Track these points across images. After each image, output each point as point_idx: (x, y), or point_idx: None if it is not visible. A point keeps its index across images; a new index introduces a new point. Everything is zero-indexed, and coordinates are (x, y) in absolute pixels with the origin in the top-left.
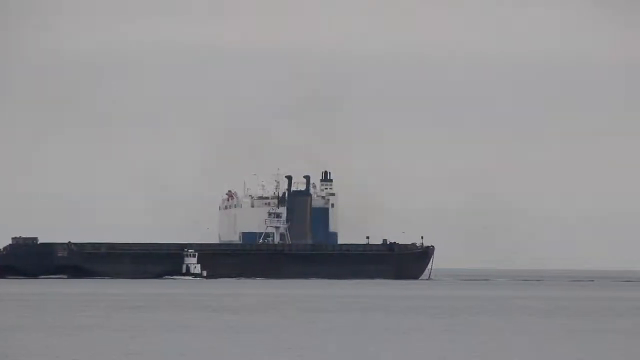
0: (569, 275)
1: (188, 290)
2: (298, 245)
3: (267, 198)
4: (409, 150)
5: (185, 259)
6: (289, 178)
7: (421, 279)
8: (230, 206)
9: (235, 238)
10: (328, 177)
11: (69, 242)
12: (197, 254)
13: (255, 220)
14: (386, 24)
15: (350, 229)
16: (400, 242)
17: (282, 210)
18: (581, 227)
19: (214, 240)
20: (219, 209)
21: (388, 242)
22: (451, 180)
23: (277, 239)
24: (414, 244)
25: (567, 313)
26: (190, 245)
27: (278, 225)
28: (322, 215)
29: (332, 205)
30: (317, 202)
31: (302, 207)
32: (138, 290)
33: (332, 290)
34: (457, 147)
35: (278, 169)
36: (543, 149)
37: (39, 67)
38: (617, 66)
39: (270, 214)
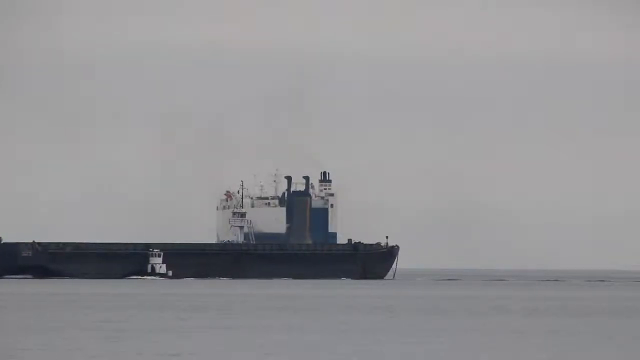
0: (550, 275)
1: (146, 291)
2: (263, 245)
3: (266, 198)
4: (402, 150)
5: (151, 258)
6: (289, 178)
7: (386, 279)
8: (228, 206)
9: (235, 238)
10: (327, 178)
11: (34, 242)
12: (162, 253)
13: (256, 221)
14: (378, 24)
15: (349, 229)
16: (365, 242)
17: (248, 210)
18: (574, 227)
19: (212, 240)
20: (217, 209)
21: (353, 242)
22: (448, 181)
23: (240, 239)
24: (378, 244)
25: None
26: (155, 245)
27: (242, 225)
28: (321, 215)
29: (332, 205)
30: (316, 203)
31: (301, 207)
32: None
33: (292, 290)
34: (451, 148)
35: (277, 169)
36: (542, 149)
37: (39, 67)
38: (617, 66)
39: (234, 213)
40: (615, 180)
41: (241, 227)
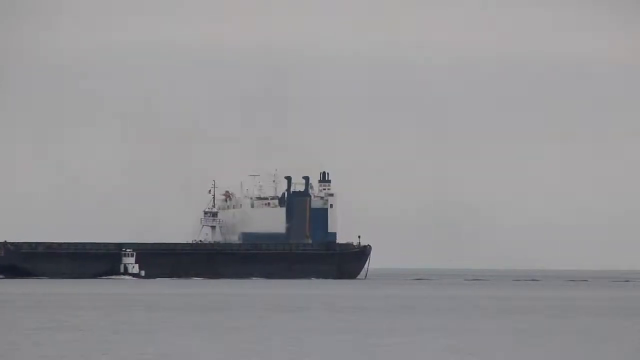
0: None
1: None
2: (235, 245)
3: (266, 198)
4: (398, 150)
5: (123, 258)
6: (289, 179)
7: (358, 279)
8: (228, 207)
9: (235, 238)
10: (326, 178)
11: (5, 242)
12: (135, 253)
13: (256, 221)
14: (378, 24)
15: (349, 229)
16: (337, 242)
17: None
18: (572, 228)
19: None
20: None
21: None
22: (445, 182)
23: (212, 238)
24: (350, 244)
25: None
26: (128, 245)
27: (214, 224)
28: (321, 215)
29: (331, 205)
30: (315, 203)
31: (301, 207)
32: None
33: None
34: (450, 149)
35: (276, 169)
36: (541, 150)
37: (39, 67)
38: (617, 66)
39: (205, 212)
40: (614, 181)
41: (213, 227)
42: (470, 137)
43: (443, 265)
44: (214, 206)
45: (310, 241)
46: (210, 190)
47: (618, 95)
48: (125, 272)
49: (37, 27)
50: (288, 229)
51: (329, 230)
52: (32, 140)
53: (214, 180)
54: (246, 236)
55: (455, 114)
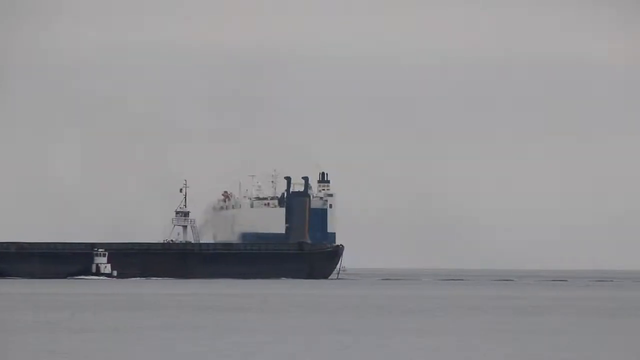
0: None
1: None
2: (207, 244)
3: (265, 199)
4: (393, 150)
5: (95, 258)
6: (288, 179)
7: (330, 279)
8: (227, 207)
9: (234, 239)
10: (325, 178)
11: None
12: (107, 253)
13: (256, 221)
14: (379, 24)
15: (348, 229)
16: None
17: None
18: (570, 228)
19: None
20: (214, 209)
21: (299, 241)
22: (437, 182)
23: (183, 238)
24: (323, 243)
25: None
26: (100, 245)
27: (185, 224)
28: (320, 216)
29: (331, 206)
30: (315, 203)
31: (301, 208)
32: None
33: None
34: (449, 148)
35: (274, 170)
36: (541, 149)
37: (38, 67)
38: (617, 66)
39: (177, 212)
40: (614, 181)
41: (184, 227)
42: (470, 137)
43: (443, 265)
44: (185, 205)
45: (309, 241)
46: (181, 190)
47: (618, 95)
48: (98, 272)
49: (37, 27)
50: (287, 229)
51: (329, 231)
52: (32, 140)
53: (185, 180)
54: (245, 236)
55: (455, 114)
